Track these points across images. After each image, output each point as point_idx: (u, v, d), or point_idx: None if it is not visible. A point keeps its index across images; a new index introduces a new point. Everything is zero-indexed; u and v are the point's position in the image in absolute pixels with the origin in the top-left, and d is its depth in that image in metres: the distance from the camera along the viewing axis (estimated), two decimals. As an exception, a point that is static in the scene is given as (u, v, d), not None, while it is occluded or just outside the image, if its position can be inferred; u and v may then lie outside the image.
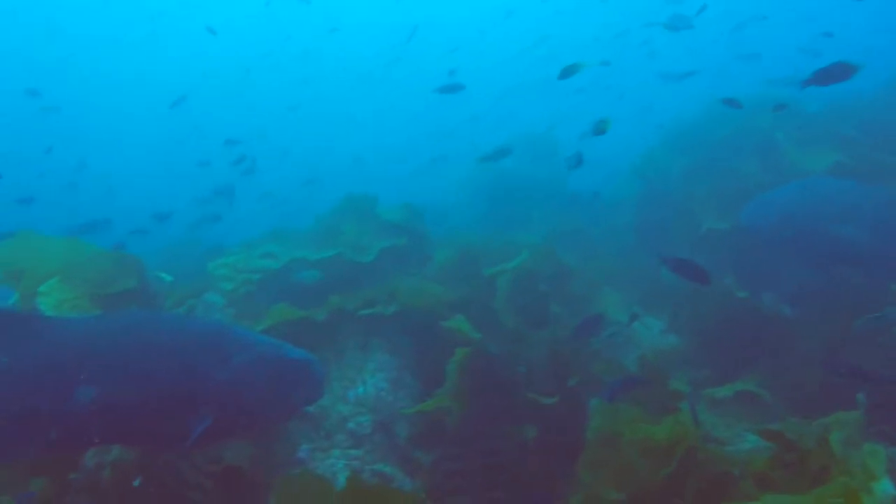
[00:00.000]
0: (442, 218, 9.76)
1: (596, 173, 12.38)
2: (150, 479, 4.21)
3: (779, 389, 5.25)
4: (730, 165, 7.89)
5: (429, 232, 6.28)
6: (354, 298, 5.05)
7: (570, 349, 5.03)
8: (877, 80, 8.54)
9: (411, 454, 4.55)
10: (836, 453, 3.21)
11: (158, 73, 30.05)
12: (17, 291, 4.37)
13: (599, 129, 5.37)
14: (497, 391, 4.67)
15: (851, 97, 8.21)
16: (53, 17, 31.74)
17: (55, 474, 4.29)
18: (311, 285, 5.49)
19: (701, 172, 8.21)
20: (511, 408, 4.64)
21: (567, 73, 6.07)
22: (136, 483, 3.86)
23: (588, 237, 8.96)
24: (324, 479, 3.15)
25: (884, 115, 7.97)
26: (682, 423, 3.79)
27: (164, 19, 32.72)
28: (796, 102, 7.90)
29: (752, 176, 7.44)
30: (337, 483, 4.04)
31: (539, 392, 4.75)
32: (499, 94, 19.41)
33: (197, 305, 5.77)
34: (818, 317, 5.61)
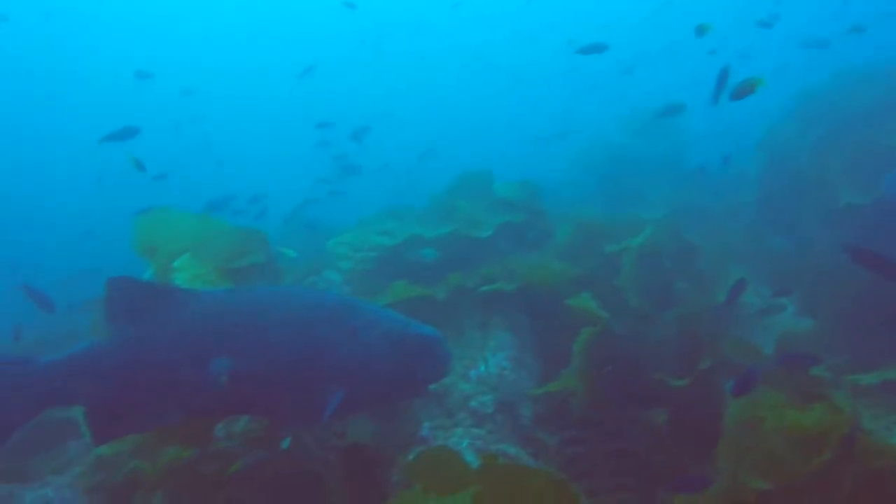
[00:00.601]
0: (552, 195, 9.56)
1: (715, 148, 11.81)
2: (275, 453, 4.30)
3: (934, 378, 4.80)
4: (872, 136, 7.27)
5: (546, 209, 6.10)
6: (473, 276, 4.96)
7: (700, 329, 4.77)
8: None
9: (535, 435, 4.43)
10: None
11: (278, 52, 30.88)
12: (153, 266, 4.54)
13: (745, 89, 4.94)
14: (624, 372, 4.47)
15: None
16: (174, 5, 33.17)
17: (187, 442, 4.45)
18: (429, 263, 5.43)
19: (836, 144, 7.62)
20: (639, 390, 4.44)
21: (700, 31, 5.82)
22: (284, 444, 3.93)
23: (709, 214, 8.53)
24: (459, 456, 3.07)
25: None
26: (837, 409, 3.49)
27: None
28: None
29: (900, 147, 6.83)
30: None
31: (668, 374, 4.52)
32: (621, 65, 18.63)
33: (317, 283, 5.85)
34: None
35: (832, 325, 5.64)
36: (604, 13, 29.78)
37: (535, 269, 4.92)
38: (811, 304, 6.14)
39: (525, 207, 5.85)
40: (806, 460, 3.38)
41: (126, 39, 32.15)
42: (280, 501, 4.30)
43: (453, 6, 25.76)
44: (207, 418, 4.14)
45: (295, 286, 4.80)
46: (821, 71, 9.19)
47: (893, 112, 7.39)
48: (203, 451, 4.47)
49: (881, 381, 4.91)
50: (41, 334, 7.81)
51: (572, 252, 5.58)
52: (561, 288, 4.95)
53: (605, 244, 5.59)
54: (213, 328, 3.39)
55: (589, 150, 10.86)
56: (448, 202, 5.91)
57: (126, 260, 4.95)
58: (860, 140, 7.34)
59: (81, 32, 32.33)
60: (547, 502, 2.55)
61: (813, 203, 7.52)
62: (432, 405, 4.60)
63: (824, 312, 5.83)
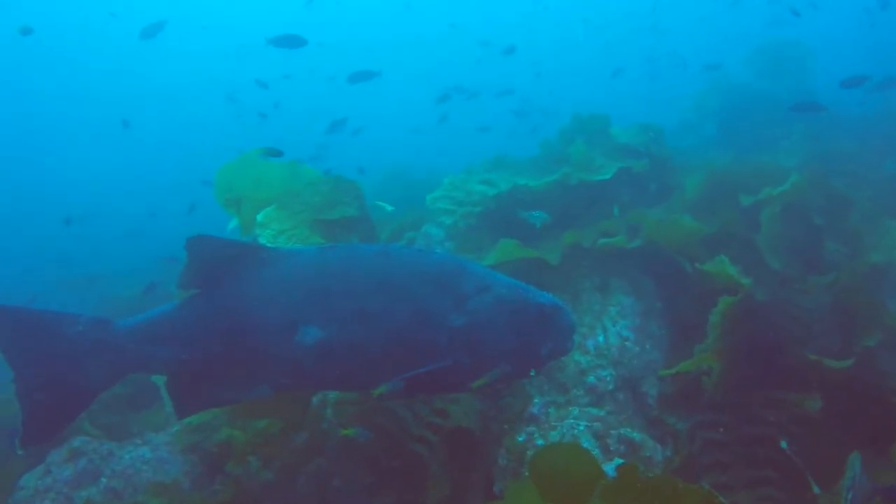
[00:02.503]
0: (672, 141, 8.72)
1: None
2: (371, 426, 3.96)
3: None
4: None
5: (671, 157, 5.38)
6: (591, 232, 4.38)
7: (861, 299, 4.04)
8: None
9: (662, 418, 3.88)
10: None
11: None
12: (237, 218, 4.21)
13: None
14: (769, 349, 3.83)
15: None
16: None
17: (280, 413, 4.19)
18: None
19: None
20: (787, 371, 3.80)
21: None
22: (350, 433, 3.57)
23: (855, 161, 7.50)
24: (590, 456, 2.55)
25: None
26: None
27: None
28: None
29: None
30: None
31: (822, 351, 3.85)
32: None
33: (416, 238, 5.43)
34: None
35: None
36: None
37: (662, 225, 4.29)
38: None
39: (647, 154, 5.16)
40: None
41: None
42: (374, 480, 3.97)
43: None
44: (297, 392, 3.81)
45: (394, 244, 4.34)
46: None
47: None
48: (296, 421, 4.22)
49: None
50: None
51: (703, 205, 4.88)
52: (692, 248, 4.31)
53: (741, 196, 4.86)
54: (302, 292, 3.01)
55: (708, 91, 9.86)
56: (560, 149, 5.29)
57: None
58: None
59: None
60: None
61: None
62: (542, 378, 4.11)
63: None
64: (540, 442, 3.58)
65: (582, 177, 4.83)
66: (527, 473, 2.60)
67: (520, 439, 3.67)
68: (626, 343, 4.09)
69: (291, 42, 8.09)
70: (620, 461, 3.37)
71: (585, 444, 3.50)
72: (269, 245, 3.92)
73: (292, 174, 4.28)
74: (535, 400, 3.95)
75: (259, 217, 3.99)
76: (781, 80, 10.01)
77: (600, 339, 4.11)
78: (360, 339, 2.93)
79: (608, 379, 3.96)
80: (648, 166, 5.11)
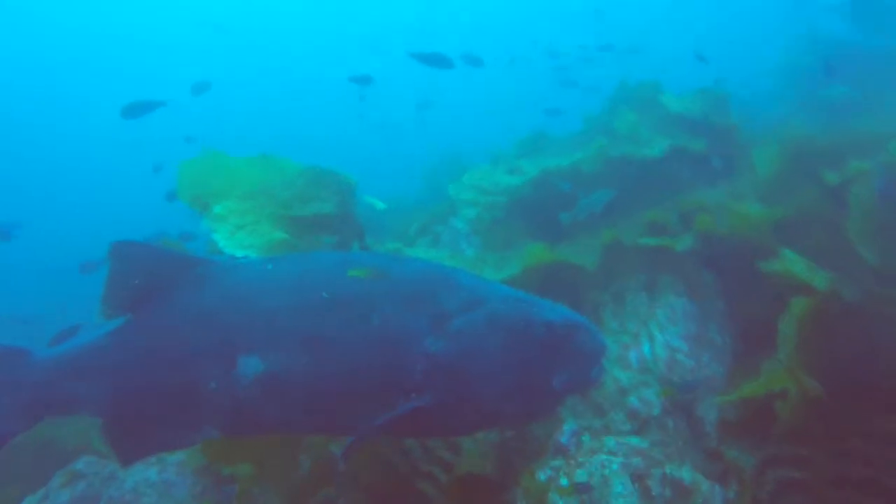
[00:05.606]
0: (743, 109, 7.69)
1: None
2: (375, 459, 3.40)
3: None
4: None
5: (737, 126, 4.52)
6: (635, 224, 3.65)
7: None
8: None
9: (722, 451, 3.14)
10: None
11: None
12: (206, 219, 3.70)
13: None
14: (865, 365, 3.03)
15: None
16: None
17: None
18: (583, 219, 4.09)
19: None
20: (887, 390, 2.99)
21: None
22: None
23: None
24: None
25: None
26: None
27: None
28: None
29: None
30: (611, 494, 2.82)
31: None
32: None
33: (443, 232, 4.83)
34: None
35: None
36: None
37: (721, 212, 3.51)
38: None
39: (706, 124, 4.34)
40: None
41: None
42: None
43: None
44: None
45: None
46: None
47: None
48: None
49: None
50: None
51: (778, 185, 4.04)
52: (762, 238, 3.51)
53: (825, 172, 3.99)
54: (243, 314, 2.45)
55: (797, 48, 8.70)
56: (605, 122, 4.55)
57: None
58: None
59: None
60: None
61: None
62: (576, 397, 3.44)
63: None
64: (564, 482, 2.92)
65: (624, 150, 4.09)
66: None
67: (541, 478, 3.02)
68: (678, 355, 3.35)
69: (438, 61, 7.34)
70: (661, 516, 2.68)
71: (619, 489, 2.82)
72: (224, 242, 3.36)
73: (267, 169, 3.72)
74: (566, 426, 3.27)
75: (217, 209, 3.47)
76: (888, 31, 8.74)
77: (645, 350, 3.40)
78: (311, 371, 2.35)
79: (654, 401, 3.24)
80: (710, 140, 4.29)
